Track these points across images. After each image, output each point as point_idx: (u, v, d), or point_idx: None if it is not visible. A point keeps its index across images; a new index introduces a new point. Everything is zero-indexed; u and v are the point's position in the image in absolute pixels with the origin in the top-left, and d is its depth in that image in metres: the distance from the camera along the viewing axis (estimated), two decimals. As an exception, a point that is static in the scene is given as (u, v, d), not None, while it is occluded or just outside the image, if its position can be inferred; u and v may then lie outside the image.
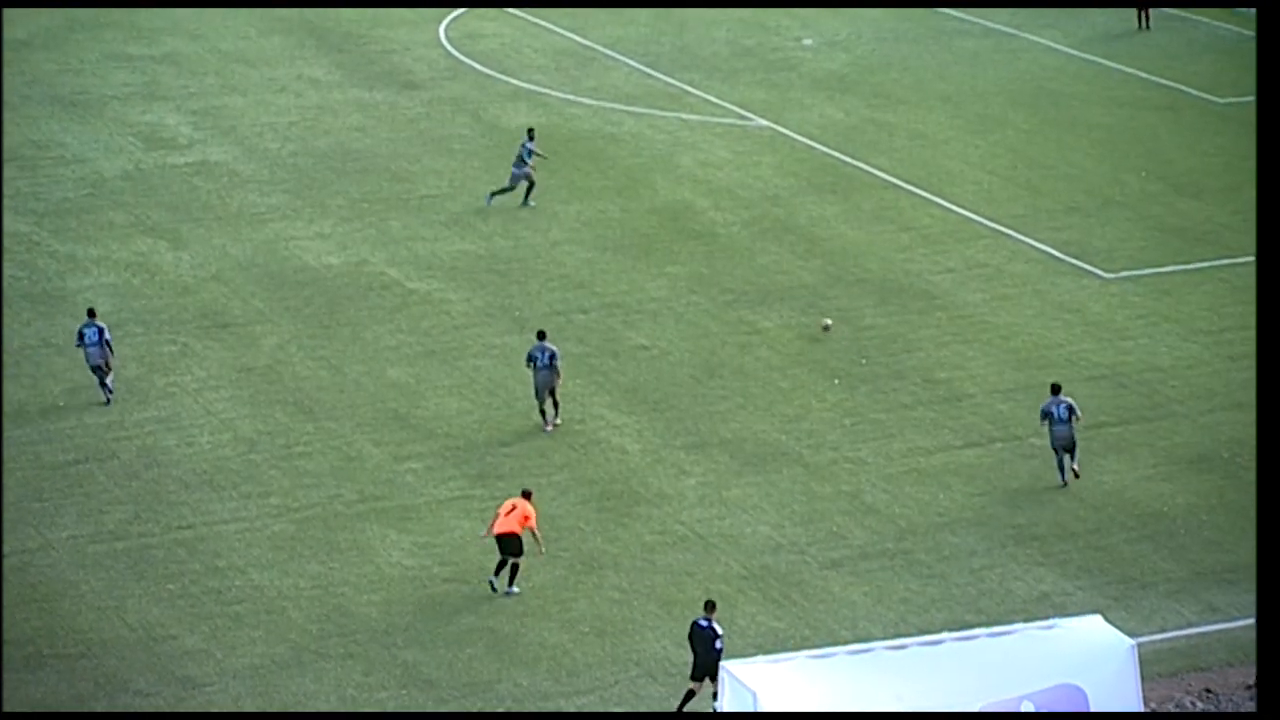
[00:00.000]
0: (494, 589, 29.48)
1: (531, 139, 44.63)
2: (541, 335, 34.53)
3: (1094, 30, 60.10)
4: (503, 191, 44.31)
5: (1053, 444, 33.07)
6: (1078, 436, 33.03)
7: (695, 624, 26.83)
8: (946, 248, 43.15)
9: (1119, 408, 35.99)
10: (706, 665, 26.47)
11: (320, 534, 31.11)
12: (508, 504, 29.77)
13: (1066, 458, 33.02)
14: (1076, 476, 33.12)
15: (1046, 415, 33.06)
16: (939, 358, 37.80)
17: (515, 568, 29.48)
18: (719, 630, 26.60)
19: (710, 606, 26.90)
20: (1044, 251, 43.19)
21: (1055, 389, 33.27)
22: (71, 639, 28.26)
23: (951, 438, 34.75)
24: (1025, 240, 43.75)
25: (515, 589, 29.46)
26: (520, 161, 44.08)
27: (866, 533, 31.67)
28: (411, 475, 33.00)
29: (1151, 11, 59.98)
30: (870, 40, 58.61)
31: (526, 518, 29.46)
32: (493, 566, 29.58)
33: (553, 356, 34.01)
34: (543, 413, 34.35)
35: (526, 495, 30.01)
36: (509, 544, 29.32)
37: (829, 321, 38.30)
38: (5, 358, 36.47)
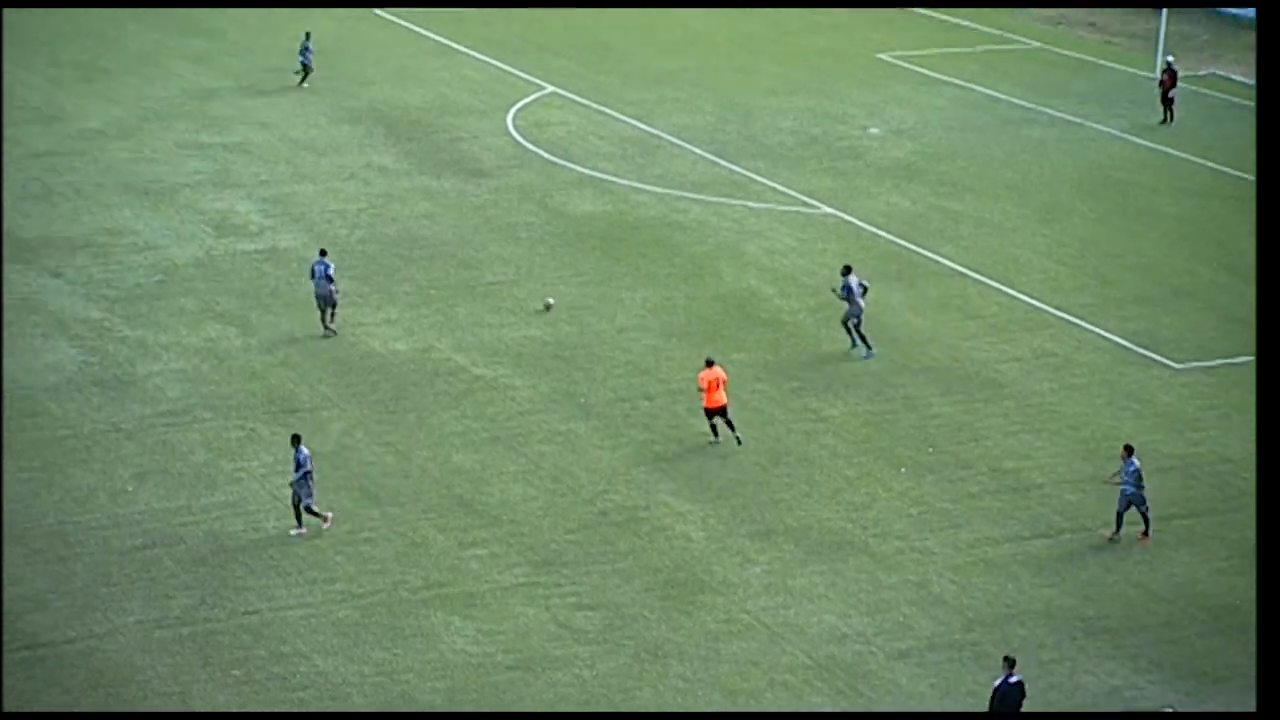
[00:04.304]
0: (714, 441, 36.83)
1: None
2: (323, 253, 41.90)
3: (1160, 119, 59.97)
4: None
5: (1129, 501, 33.76)
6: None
7: (1004, 682, 26.93)
8: (1013, 336, 42.98)
9: (1190, 499, 35.64)
10: None
11: (385, 620, 31.09)
12: (708, 379, 36.42)
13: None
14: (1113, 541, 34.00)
15: (1136, 474, 33.61)
16: (1006, 447, 37.57)
17: (729, 423, 36.63)
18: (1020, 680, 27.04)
19: (1011, 663, 27.14)
20: (1112, 341, 42.96)
21: (1129, 450, 33.87)
22: (136, 724, 28.29)
23: (1020, 528, 34.47)
24: (1093, 329, 43.55)
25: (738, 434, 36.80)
26: None
27: (933, 623, 31.39)
28: (476, 562, 32.97)
29: (1175, 107, 59.53)
30: (937, 129, 58.69)
31: (724, 383, 36.57)
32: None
33: (328, 269, 40.85)
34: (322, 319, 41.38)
35: (711, 363, 36.68)
36: (720, 411, 36.53)
37: (551, 300, 43.18)
38: (76, 442, 36.74)
